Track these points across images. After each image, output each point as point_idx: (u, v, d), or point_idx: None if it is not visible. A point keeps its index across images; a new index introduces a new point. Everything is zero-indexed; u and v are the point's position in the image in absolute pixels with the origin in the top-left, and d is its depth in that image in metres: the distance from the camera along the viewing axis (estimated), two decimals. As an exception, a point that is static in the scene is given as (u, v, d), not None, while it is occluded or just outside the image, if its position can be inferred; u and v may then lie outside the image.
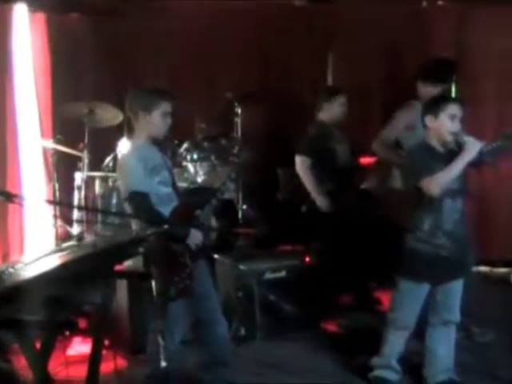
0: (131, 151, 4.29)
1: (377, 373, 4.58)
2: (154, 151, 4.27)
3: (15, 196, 3.29)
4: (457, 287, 4.45)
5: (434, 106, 4.35)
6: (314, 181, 6.14)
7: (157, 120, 4.18)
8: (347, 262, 6.00)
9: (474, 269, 7.12)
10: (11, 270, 3.07)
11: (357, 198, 6.17)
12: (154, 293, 3.37)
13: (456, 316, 4.47)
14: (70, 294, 3.10)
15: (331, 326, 5.75)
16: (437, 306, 4.45)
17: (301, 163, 6.18)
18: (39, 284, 2.90)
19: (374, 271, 5.74)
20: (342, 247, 6.00)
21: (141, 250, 3.51)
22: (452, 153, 4.29)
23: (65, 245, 3.55)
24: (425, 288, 4.39)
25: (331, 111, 6.25)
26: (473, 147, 4.18)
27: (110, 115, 6.17)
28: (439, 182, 4.18)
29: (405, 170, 4.50)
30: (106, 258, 3.35)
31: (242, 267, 5.49)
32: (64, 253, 3.31)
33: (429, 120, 4.34)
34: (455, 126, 4.28)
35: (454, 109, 4.30)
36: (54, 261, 3.17)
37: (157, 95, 4.25)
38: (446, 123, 4.28)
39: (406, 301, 4.46)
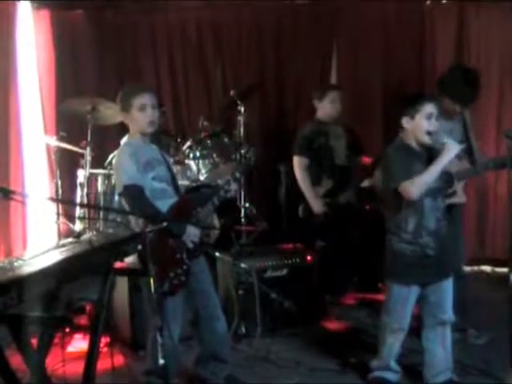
0: (123, 147, 4.33)
1: (376, 374, 4.57)
2: (147, 147, 4.31)
3: (13, 192, 3.27)
4: (447, 286, 4.42)
5: (410, 106, 4.30)
6: (309, 182, 6.17)
7: (135, 116, 4.21)
8: (349, 257, 6.04)
9: (476, 268, 7.24)
10: (8, 265, 3.07)
11: (356, 196, 6.18)
12: (152, 289, 3.36)
13: (449, 315, 4.44)
14: (66, 290, 3.11)
15: (331, 324, 5.76)
16: (430, 307, 4.42)
17: (297, 163, 6.21)
18: (35, 280, 2.89)
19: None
20: (343, 245, 6.03)
21: (139, 247, 3.50)
22: (430, 152, 4.30)
23: (62, 242, 3.55)
24: (415, 289, 4.37)
25: (324, 109, 6.31)
26: (451, 149, 4.18)
27: (113, 112, 6.13)
28: (418, 185, 4.17)
29: (383, 172, 4.44)
30: (102, 255, 3.35)
31: (243, 265, 5.49)
32: (61, 250, 3.31)
33: (405, 121, 4.30)
34: (432, 125, 4.26)
35: (430, 108, 4.26)
36: (51, 258, 3.16)
37: (129, 93, 4.28)
38: (423, 123, 4.25)
39: (397, 304, 4.43)
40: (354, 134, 6.53)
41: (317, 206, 6.15)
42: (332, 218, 6.13)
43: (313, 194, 6.16)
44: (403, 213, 4.30)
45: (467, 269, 7.04)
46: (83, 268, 3.20)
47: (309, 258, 5.73)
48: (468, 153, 5.10)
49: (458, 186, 4.99)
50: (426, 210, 4.28)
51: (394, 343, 4.49)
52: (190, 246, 4.14)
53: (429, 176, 4.18)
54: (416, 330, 4.55)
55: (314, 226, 6.16)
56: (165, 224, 3.65)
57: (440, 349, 4.44)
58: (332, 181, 6.24)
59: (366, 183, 6.26)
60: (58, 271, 2.99)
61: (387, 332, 4.50)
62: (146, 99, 4.22)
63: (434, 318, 4.43)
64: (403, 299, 4.40)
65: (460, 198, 5.08)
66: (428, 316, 4.45)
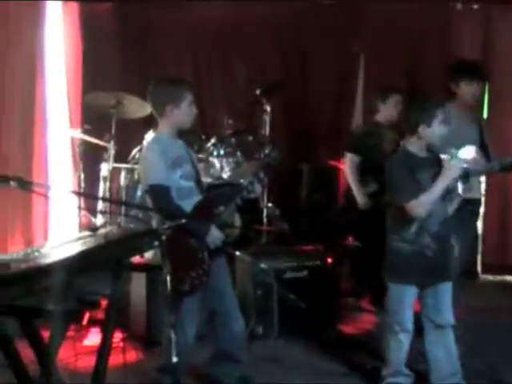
0: (152, 143, 4.26)
1: (387, 381, 4.47)
2: (176, 144, 4.25)
3: (31, 183, 3.24)
4: (445, 289, 4.35)
5: (427, 114, 4.23)
6: (357, 179, 6.06)
7: (185, 111, 4.17)
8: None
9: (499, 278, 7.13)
10: (23, 257, 3.04)
11: None
12: (167, 286, 3.32)
13: (448, 319, 4.34)
14: (78, 284, 3.07)
15: (348, 328, 5.70)
16: (427, 309, 4.36)
17: (349, 160, 6.11)
18: (46, 273, 2.86)
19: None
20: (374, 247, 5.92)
21: (155, 243, 3.45)
22: (435, 156, 4.27)
23: (79, 235, 3.52)
24: (411, 290, 4.32)
25: (387, 112, 6.12)
26: (452, 170, 4.14)
27: (138, 107, 6.15)
28: (423, 205, 4.16)
29: (388, 184, 4.42)
30: (117, 250, 3.31)
31: (262, 265, 5.44)
32: (76, 243, 3.28)
33: (422, 129, 4.22)
34: (446, 129, 4.24)
35: (444, 113, 4.23)
36: (65, 251, 3.13)
37: (182, 86, 4.24)
38: (439, 129, 4.22)
39: (396, 305, 4.37)
40: None
41: (363, 202, 6.03)
42: (371, 219, 6.01)
43: (360, 190, 6.04)
44: (407, 217, 4.24)
45: (489, 277, 6.98)
46: (95, 262, 3.17)
47: (329, 260, 5.66)
48: (483, 151, 5.11)
49: (474, 181, 4.94)
50: (430, 214, 4.21)
51: (398, 347, 4.39)
52: (212, 247, 4.09)
53: (432, 195, 4.16)
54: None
55: (349, 223, 6.06)
56: (183, 221, 3.60)
57: (442, 352, 4.35)
58: (377, 184, 6.10)
59: None
60: (70, 264, 2.95)
61: (390, 335, 4.43)
62: (192, 96, 4.22)
63: (431, 321, 4.36)
64: (400, 300, 4.35)
65: (475, 192, 5.04)
66: (426, 319, 4.38)
